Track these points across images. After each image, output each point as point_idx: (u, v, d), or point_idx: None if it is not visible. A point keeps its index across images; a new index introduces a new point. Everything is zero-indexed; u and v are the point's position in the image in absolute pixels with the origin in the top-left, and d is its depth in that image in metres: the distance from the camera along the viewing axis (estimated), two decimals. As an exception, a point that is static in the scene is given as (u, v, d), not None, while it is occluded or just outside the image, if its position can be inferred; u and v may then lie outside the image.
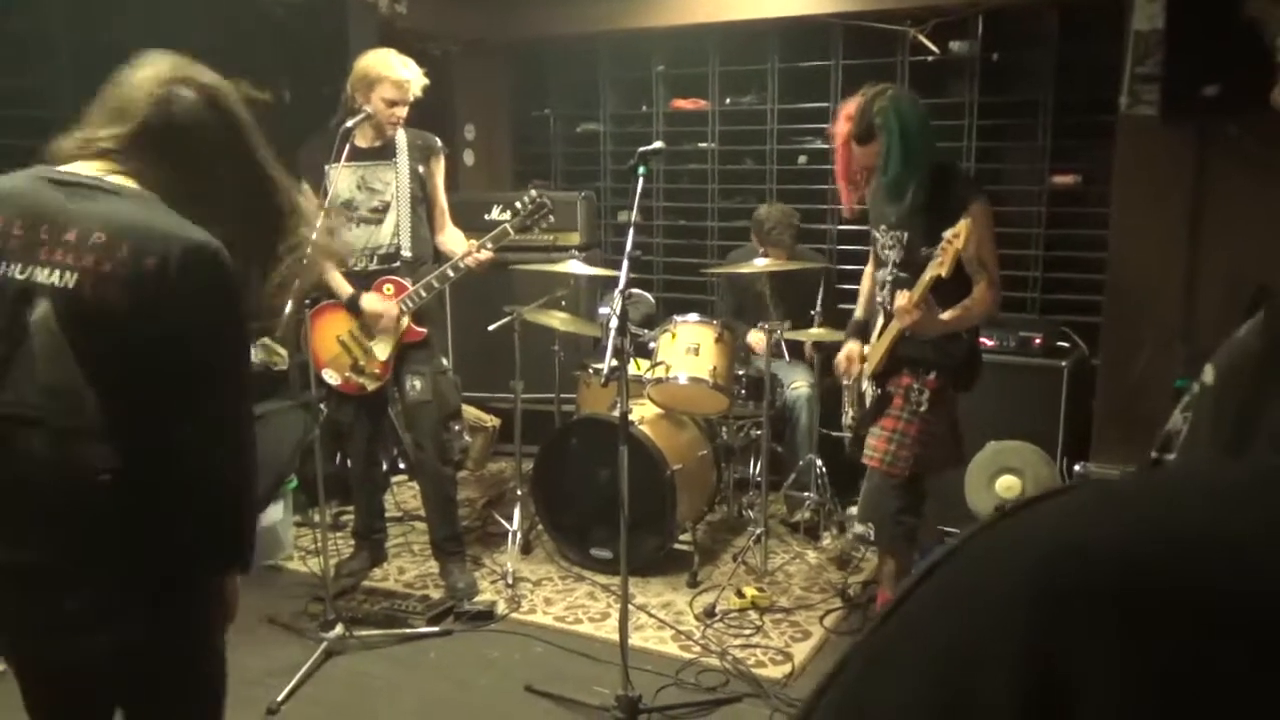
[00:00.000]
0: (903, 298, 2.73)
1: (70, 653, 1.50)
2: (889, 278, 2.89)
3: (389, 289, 3.42)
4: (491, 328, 4.01)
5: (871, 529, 2.96)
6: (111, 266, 1.39)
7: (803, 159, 5.00)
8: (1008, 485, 3.77)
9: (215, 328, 1.48)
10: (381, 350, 3.45)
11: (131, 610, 1.47)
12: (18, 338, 1.41)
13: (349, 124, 3.18)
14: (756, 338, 4.19)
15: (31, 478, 1.43)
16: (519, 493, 4.06)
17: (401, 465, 4.71)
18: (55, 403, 1.41)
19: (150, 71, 1.52)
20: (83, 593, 1.44)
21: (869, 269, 3.17)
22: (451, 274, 3.41)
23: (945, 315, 2.74)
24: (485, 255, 3.39)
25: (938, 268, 2.58)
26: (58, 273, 1.40)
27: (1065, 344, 4.09)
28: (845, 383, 3.14)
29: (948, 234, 2.56)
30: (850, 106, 2.79)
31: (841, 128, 2.81)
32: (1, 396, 1.43)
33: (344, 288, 3.41)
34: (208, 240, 1.45)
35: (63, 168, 1.50)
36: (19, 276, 1.42)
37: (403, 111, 3.32)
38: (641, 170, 2.79)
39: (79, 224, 1.41)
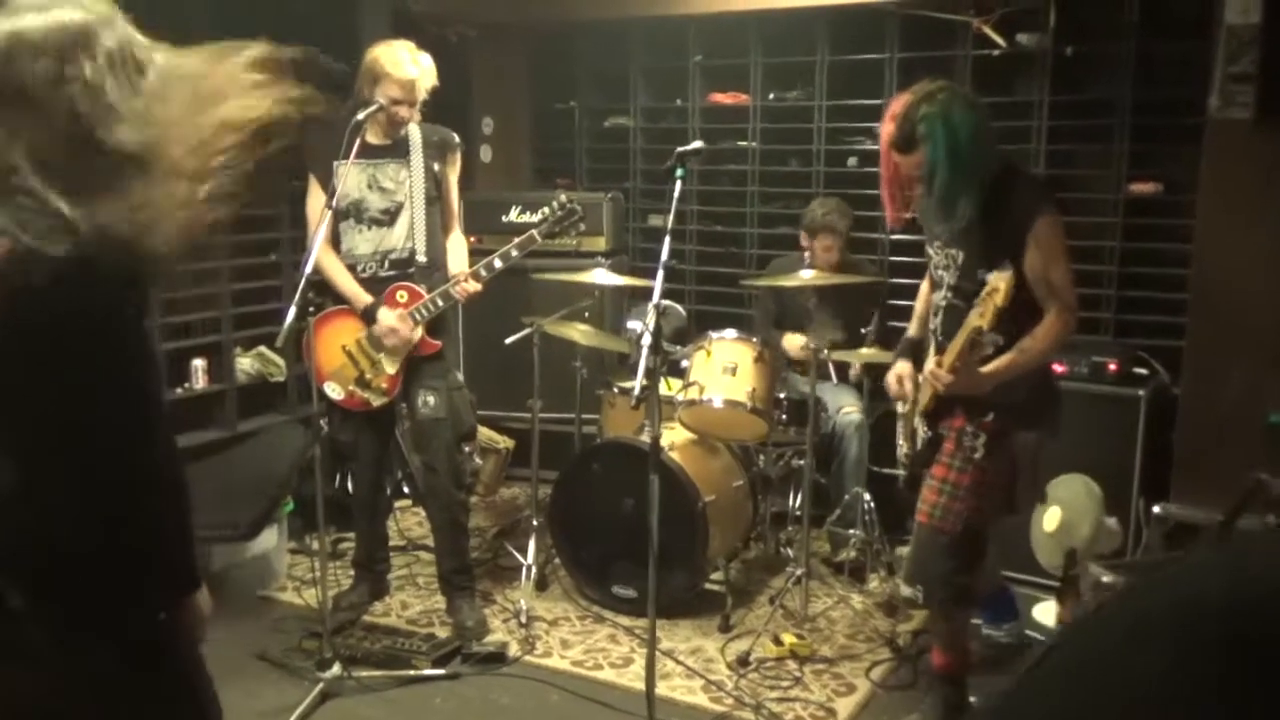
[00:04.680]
0: (930, 363, 2.62)
1: None
2: (942, 302, 2.82)
3: (402, 295, 3.45)
4: (509, 341, 4.02)
5: (920, 591, 2.89)
6: None
7: (853, 161, 4.99)
8: (1051, 516, 3.74)
9: (81, 367, 1.38)
10: (391, 363, 3.48)
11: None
12: None
13: (359, 116, 3.22)
14: (793, 341, 4.17)
15: None
16: (535, 523, 4.07)
17: (406, 489, 4.72)
18: None
19: None
20: None
21: (925, 286, 3.13)
22: (440, 302, 3.44)
23: (990, 367, 2.61)
24: (474, 287, 3.43)
25: (978, 319, 2.47)
26: None
27: (1143, 370, 4.05)
28: (900, 409, 3.12)
29: (991, 279, 2.45)
30: (897, 105, 2.69)
31: (886, 129, 2.73)
32: None
33: (360, 295, 3.43)
34: (65, 255, 1.31)
35: None
36: None
37: (407, 111, 3.37)
38: (680, 172, 2.80)
39: None
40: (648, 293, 4.08)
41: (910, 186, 2.75)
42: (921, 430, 2.89)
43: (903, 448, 3.09)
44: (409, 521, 4.65)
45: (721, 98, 5.30)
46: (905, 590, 2.92)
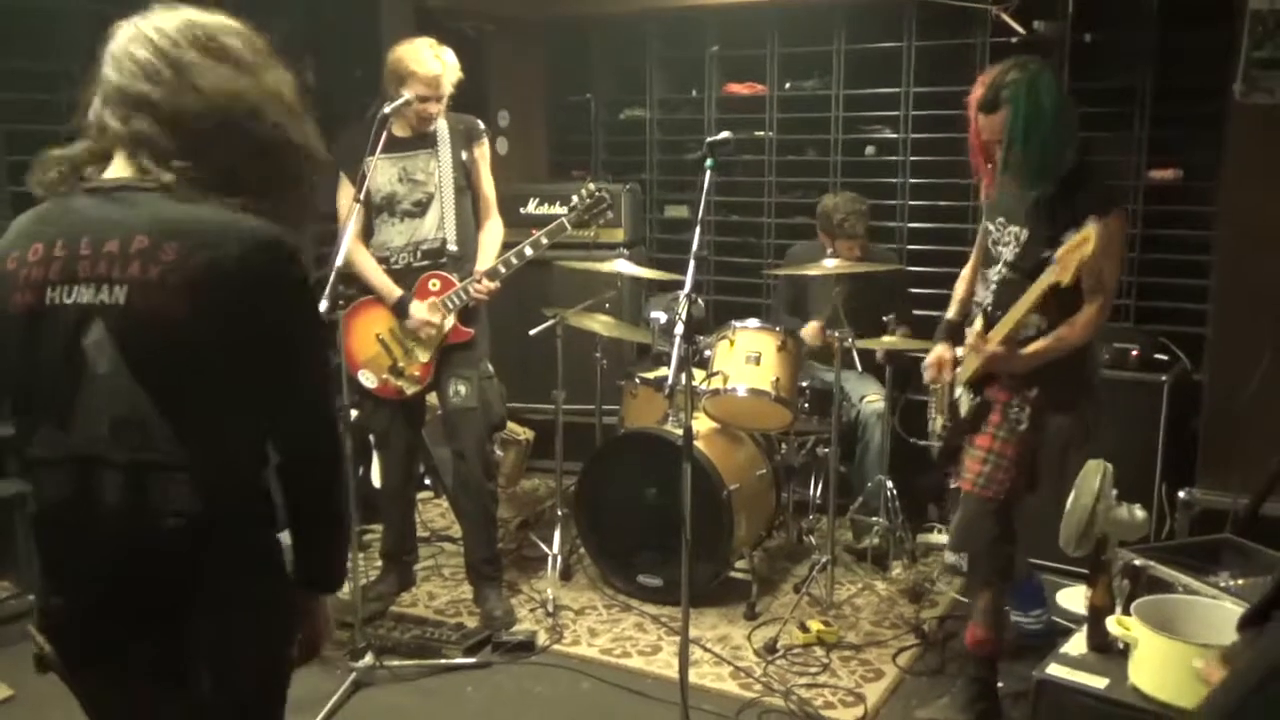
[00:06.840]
0: (972, 335, 2.66)
1: (138, 709, 1.52)
2: (996, 277, 2.86)
3: (435, 284, 3.47)
4: (533, 332, 4.03)
5: (964, 559, 2.92)
6: (159, 272, 1.37)
7: (870, 150, 5.00)
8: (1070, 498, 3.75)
9: (288, 326, 1.46)
10: (424, 352, 3.50)
11: (198, 670, 1.45)
12: (78, 369, 1.40)
13: (386, 110, 3.22)
14: (811, 328, 4.19)
15: (104, 527, 1.41)
16: (559, 513, 4.09)
17: (428, 481, 4.73)
18: (123, 436, 1.39)
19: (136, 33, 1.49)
20: (150, 649, 1.43)
21: (966, 270, 3.15)
22: (462, 297, 3.46)
23: (1030, 349, 2.71)
24: (492, 285, 3.47)
25: (1059, 274, 2.53)
26: (105, 289, 1.38)
27: (1164, 356, 4.06)
28: (933, 387, 3.14)
29: (1074, 238, 2.50)
30: (989, 74, 2.78)
31: (975, 93, 2.79)
32: (73, 438, 1.41)
33: (391, 289, 3.45)
34: (265, 228, 1.43)
35: (94, 171, 1.47)
36: (67, 301, 1.40)
37: (435, 107, 3.39)
38: (710, 164, 2.80)
39: (119, 231, 1.39)
40: (666, 283, 4.14)
41: (990, 154, 2.78)
42: (966, 399, 2.92)
43: (936, 420, 3.12)
44: (431, 513, 4.67)
45: (738, 88, 5.30)
46: (949, 557, 2.94)
